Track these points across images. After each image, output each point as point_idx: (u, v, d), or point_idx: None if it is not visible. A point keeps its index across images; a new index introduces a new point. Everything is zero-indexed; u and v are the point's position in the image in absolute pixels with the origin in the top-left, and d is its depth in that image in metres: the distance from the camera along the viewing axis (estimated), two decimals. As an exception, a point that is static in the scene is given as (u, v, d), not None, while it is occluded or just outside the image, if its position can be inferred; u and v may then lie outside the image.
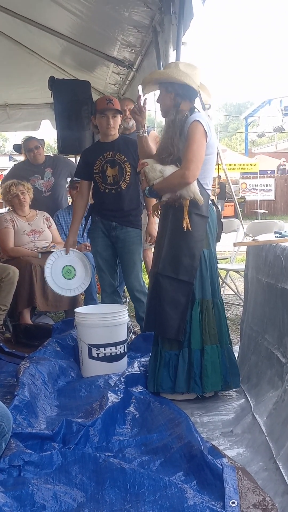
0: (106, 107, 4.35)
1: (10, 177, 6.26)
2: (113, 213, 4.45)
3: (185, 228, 3.35)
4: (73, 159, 6.99)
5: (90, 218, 4.61)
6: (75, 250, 4.85)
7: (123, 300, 5.12)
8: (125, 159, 4.40)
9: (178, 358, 3.40)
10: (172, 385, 3.40)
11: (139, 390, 3.42)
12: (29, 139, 6.31)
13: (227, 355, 3.48)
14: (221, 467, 2.37)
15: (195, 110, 3.47)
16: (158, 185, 3.42)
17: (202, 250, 3.42)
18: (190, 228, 3.35)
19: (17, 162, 6.84)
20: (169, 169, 3.39)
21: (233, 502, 2.16)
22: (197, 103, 3.55)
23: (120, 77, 6.30)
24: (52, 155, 6.36)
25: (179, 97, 3.44)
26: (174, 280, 3.40)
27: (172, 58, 4.22)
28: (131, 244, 4.47)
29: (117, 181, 4.41)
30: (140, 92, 3.90)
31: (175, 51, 4.17)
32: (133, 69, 5.72)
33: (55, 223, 5.83)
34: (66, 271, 4.75)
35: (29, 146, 6.18)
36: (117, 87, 6.77)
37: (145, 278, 4.88)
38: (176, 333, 3.39)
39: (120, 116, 4.51)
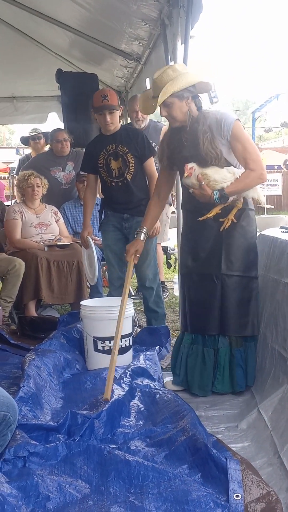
0: (102, 105, 4.29)
1: (31, 165, 6.27)
2: (124, 206, 4.46)
3: (226, 227, 3.38)
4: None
5: (103, 212, 4.65)
6: (89, 239, 4.80)
7: (132, 294, 5.13)
8: (127, 150, 4.39)
9: (247, 352, 3.47)
10: (246, 381, 3.47)
11: (145, 383, 3.42)
12: (58, 130, 6.32)
13: None
14: (225, 460, 2.37)
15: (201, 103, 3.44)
16: (232, 188, 3.31)
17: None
18: (227, 226, 3.40)
19: (40, 153, 6.76)
20: (237, 170, 3.37)
21: (237, 496, 2.16)
22: (203, 98, 3.52)
23: (128, 70, 6.28)
24: (75, 150, 6.36)
25: (195, 98, 3.39)
26: (242, 277, 3.44)
27: (180, 51, 4.20)
28: None
29: (122, 173, 4.41)
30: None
31: (183, 44, 4.16)
32: (141, 62, 5.70)
33: (61, 215, 5.84)
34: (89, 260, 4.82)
35: (58, 137, 6.16)
36: (124, 80, 6.76)
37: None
38: (253, 329, 3.47)
39: (120, 108, 4.47)
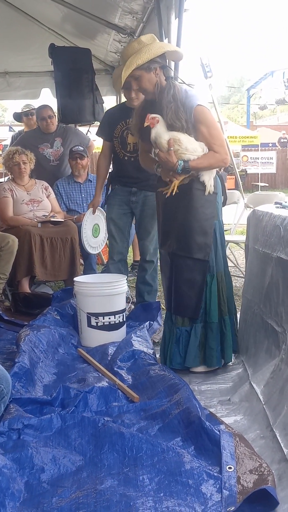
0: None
1: (19, 142, 6.23)
2: (133, 180, 4.46)
3: (169, 194, 3.33)
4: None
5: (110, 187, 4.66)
6: (99, 208, 4.87)
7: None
8: None
9: (189, 334, 3.41)
10: (182, 361, 3.43)
11: (138, 358, 3.44)
12: (43, 107, 6.26)
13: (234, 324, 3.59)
14: (218, 433, 2.40)
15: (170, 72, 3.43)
16: (196, 163, 3.27)
17: (214, 223, 3.41)
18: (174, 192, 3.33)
19: (28, 130, 6.73)
20: (206, 148, 3.31)
21: (230, 468, 2.19)
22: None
23: (121, 45, 6.20)
24: (63, 125, 6.33)
25: (164, 68, 3.36)
26: (189, 259, 3.38)
27: (174, 25, 4.15)
28: (150, 208, 4.43)
29: (137, 149, 4.38)
30: None
31: (177, 18, 4.11)
32: (135, 37, 5.63)
33: (55, 192, 5.82)
34: (94, 229, 4.83)
35: (42, 115, 6.14)
36: (118, 55, 6.67)
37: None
38: (193, 312, 3.40)
39: None
